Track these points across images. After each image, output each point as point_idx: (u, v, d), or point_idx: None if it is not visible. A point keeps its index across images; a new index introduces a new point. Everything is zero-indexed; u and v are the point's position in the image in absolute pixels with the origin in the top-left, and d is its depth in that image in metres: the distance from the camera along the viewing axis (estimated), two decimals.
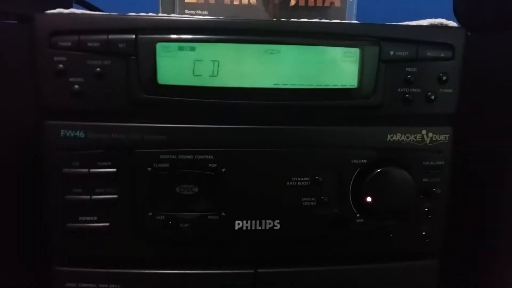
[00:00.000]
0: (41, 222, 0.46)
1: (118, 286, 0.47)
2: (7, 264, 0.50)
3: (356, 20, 0.55)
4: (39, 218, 0.46)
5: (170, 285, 0.47)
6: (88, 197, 0.45)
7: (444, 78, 0.47)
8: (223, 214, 0.46)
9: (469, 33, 0.49)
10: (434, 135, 0.48)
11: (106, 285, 0.47)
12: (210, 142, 0.46)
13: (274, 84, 0.45)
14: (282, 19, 0.52)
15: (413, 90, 0.47)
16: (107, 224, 0.46)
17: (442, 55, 0.47)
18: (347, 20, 0.55)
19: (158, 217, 0.46)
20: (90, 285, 0.47)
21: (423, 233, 0.49)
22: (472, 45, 0.49)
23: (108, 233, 0.46)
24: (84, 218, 0.45)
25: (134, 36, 0.43)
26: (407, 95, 0.47)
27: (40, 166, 0.45)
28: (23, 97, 0.48)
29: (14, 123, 0.49)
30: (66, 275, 0.47)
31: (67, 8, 0.45)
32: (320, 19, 0.51)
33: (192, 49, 0.44)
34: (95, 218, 0.45)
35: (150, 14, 0.46)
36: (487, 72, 0.54)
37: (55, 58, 0.43)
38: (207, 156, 0.45)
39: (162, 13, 0.52)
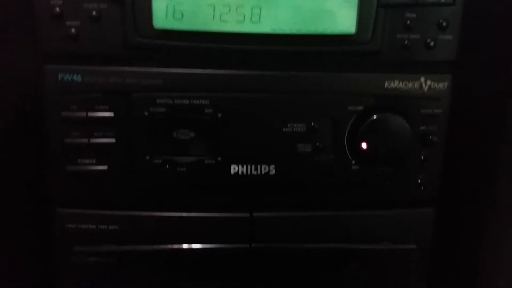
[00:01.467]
0: (42, 165, 0.47)
1: (117, 227, 0.48)
2: (10, 208, 0.51)
3: None
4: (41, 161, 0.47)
5: (167, 227, 0.49)
6: (87, 140, 0.46)
7: (444, 24, 0.46)
8: (219, 158, 0.47)
9: None
10: (432, 83, 0.48)
11: (105, 226, 0.48)
12: (206, 87, 0.46)
13: (271, 29, 0.45)
14: None
15: (412, 36, 0.46)
16: (105, 167, 0.46)
17: (443, 0, 0.46)
18: None
19: (156, 161, 0.46)
20: (90, 226, 0.48)
21: (419, 181, 0.50)
22: None
23: (106, 176, 0.47)
24: (83, 161, 0.46)
25: None
26: (405, 42, 0.46)
27: (41, 110, 0.46)
28: (24, 43, 0.48)
29: (15, 68, 0.50)
30: (67, 216, 0.48)
31: None
32: None
33: None
34: (94, 161, 0.46)
35: None
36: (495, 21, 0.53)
37: (52, 2, 0.43)
38: (203, 101, 0.46)
39: None
